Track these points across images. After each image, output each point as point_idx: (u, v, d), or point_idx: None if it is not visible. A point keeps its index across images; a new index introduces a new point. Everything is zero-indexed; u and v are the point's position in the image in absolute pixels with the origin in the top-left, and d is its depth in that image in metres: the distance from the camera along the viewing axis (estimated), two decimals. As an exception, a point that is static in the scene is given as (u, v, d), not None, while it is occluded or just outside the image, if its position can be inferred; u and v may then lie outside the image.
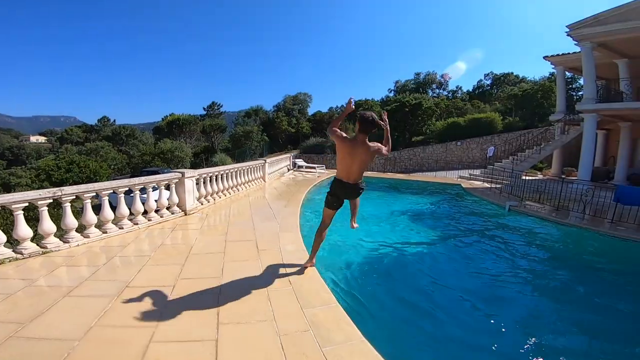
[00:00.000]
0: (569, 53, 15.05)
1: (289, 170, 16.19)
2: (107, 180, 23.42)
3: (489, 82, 45.81)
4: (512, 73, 43.28)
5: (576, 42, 12.43)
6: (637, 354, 3.55)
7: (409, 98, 27.93)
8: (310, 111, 41.51)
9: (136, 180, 5.75)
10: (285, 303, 3.14)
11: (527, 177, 13.85)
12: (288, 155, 17.46)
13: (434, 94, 43.28)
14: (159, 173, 19.20)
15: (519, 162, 15.31)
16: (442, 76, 46.41)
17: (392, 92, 44.94)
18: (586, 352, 3.62)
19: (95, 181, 23.28)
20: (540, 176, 16.25)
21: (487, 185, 14.04)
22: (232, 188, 8.99)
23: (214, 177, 8.03)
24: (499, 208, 9.83)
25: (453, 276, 5.39)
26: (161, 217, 6.14)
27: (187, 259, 4.23)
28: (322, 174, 15.22)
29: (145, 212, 5.91)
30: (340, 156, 3.72)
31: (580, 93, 30.72)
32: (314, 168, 16.65)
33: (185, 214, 6.61)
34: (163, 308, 3.00)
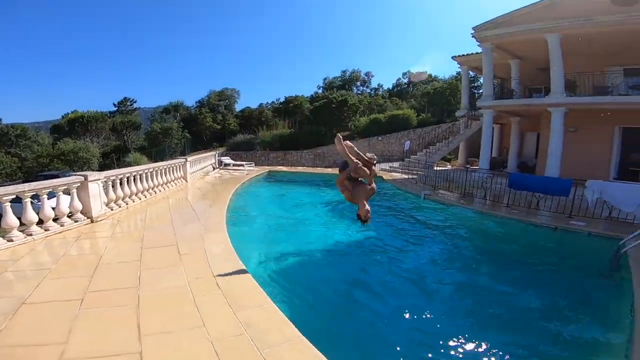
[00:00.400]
0: (472, 53, 16.99)
1: (214, 168, 15.46)
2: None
3: (405, 80, 49.72)
4: (425, 72, 47.48)
5: (479, 43, 14.03)
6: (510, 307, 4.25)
7: (335, 95, 28.87)
8: (239, 107, 40.17)
9: (25, 186, 4.89)
10: (215, 308, 3.00)
11: (439, 168, 15.45)
12: (213, 153, 16.66)
13: (359, 92, 45.35)
14: (59, 177, 16.73)
15: (431, 154, 16.96)
16: (366, 74, 48.84)
17: (321, 88, 45.78)
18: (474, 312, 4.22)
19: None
20: (449, 167, 18.22)
21: (405, 176, 15.28)
22: (148, 190, 8.25)
23: (126, 179, 7.27)
24: (415, 197, 10.77)
25: (378, 261, 5.77)
26: (61, 226, 5.36)
27: (96, 269, 3.77)
28: (251, 172, 14.87)
29: (41, 222, 5.09)
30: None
31: (481, 91, 35.32)
32: (242, 165, 16.13)
33: (92, 221, 5.87)
34: (72, 323, 2.63)
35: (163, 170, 9.29)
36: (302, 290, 4.50)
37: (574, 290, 5.04)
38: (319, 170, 17.05)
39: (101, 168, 26.39)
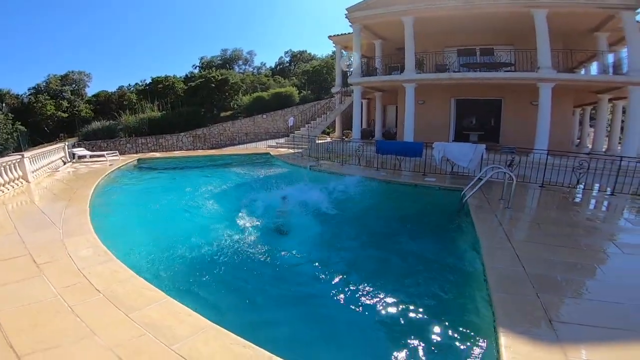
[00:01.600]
0: (345, 34, 18.11)
1: (65, 163, 12.74)
2: None
3: (288, 59, 49.91)
4: (306, 51, 48.45)
5: (350, 24, 15.01)
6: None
7: (215, 74, 26.99)
8: (91, 91, 33.80)
9: None
10: (102, 314, 2.54)
11: (320, 141, 16.41)
12: (62, 145, 13.61)
13: (240, 70, 43.52)
14: None
15: (312, 129, 17.74)
16: (248, 53, 47.01)
17: (197, 67, 42.13)
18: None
19: None
20: (329, 139, 19.46)
21: (291, 151, 15.64)
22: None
23: None
24: (302, 168, 11.16)
25: (265, 232, 5.80)
26: None
27: None
28: (115, 162, 12.78)
29: None
30: None
31: (352, 69, 38.40)
32: (102, 156, 13.66)
33: None
34: None
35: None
36: (198, 280, 4.20)
37: (434, 232, 6.11)
38: (200, 152, 15.91)
39: None
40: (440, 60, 14.94)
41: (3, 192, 7.50)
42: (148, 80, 30.47)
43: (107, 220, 5.97)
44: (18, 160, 8.75)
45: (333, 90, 20.21)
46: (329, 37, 19.53)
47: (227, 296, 3.96)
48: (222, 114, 26.25)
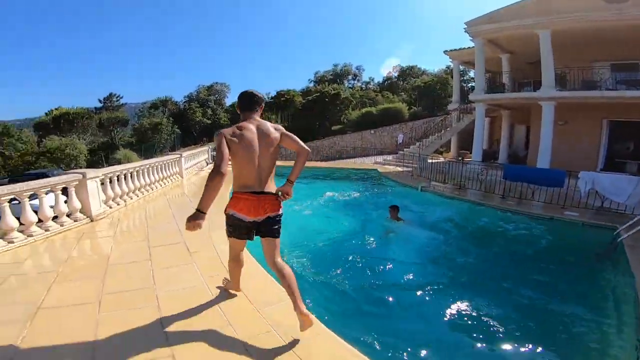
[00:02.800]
0: (463, 48, 17.23)
1: (207, 164, 15.28)
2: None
3: (396, 74, 49.86)
4: (416, 66, 47.63)
5: (471, 38, 14.22)
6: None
7: (328, 88, 28.75)
8: (228, 102, 39.68)
9: (22, 185, 4.75)
10: (237, 306, 2.96)
11: (432, 160, 15.67)
12: (206, 148, 16.42)
13: (350, 85, 45.32)
14: (47, 175, 16.24)
15: (424, 147, 17.11)
16: (357, 68, 48.73)
17: (312, 82, 45.60)
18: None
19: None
20: (442, 159, 18.45)
21: (399, 169, 15.41)
22: (145, 187, 8.12)
23: (123, 176, 7.13)
24: (411, 189, 10.88)
25: (383, 257, 5.83)
26: (61, 225, 5.23)
27: (107, 270, 3.70)
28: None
29: (40, 222, 4.97)
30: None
31: (470, 84, 35.78)
32: (235, 161, 16.03)
33: (92, 220, 5.75)
34: (95, 328, 2.57)
35: (159, 167, 9.15)
36: (318, 284, 4.54)
37: (574, 275, 5.21)
38: (313, 164, 17.05)
39: (88, 165, 25.83)
40: (589, 76, 12.74)
41: (165, 183, 9.42)
42: (273, 93, 34.35)
43: None
44: (177, 159, 10.88)
45: (449, 107, 19.23)
46: (445, 52, 18.69)
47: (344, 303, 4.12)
48: (333, 128, 27.66)
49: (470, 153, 20.90)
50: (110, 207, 6.47)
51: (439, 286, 4.64)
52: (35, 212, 4.89)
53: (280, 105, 30.84)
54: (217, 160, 2.33)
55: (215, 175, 2.28)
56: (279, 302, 3.02)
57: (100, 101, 42.09)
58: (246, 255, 4.16)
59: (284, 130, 2.72)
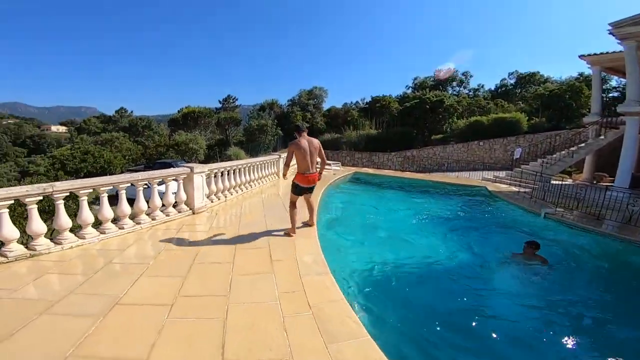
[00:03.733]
0: (606, 52, 14.08)
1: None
2: (121, 170, 23.41)
3: (512, 81, 44.09)
4: (538, 72, 41.35)
5: (619, 41, 11.56)
6: None
7: (430, 95, 26.87)
8: (325, 106, 40.82)
9: (139, 175, 5.25)
10: (304, 335, 2.56)
11: (556, 182, 12.96)
12: (303, 151, 16.93)
13: (454, 92, 41.86)
14: (172, 165, 18.86)
15: (549, 165, 14.29)
16: (463, 74, 44.83)
17: (410, 88, 43.71)
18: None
19: (109, 171, 23.29)
20: (569, 181, 15.21)
21: (514, 188, 13.14)
22: (244, 184, 8.48)
23: (226, 173, 7.51)
24: (532, 215, 9.00)
25: (492, 293, 4.72)
26: (167, 215, 5.66)
27: (191, 268, 3.70)
28: (337, 172, 14.57)
29: (150, 210, 5.44)
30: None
31: (611, 95, 29.23)
32: (329, 165, 16.02)
33: (193, 213, 6.11)
34: (157, 335, 2.47)
35: (259, 166, 9.52)
36: (399, 319, 3.83)
37: None
38: (408, 175, 15.85)
39: (205, 159, 29.46)
40: None
41: (263, 182, 9.74)
42: (368, 99, 33.76)
43: (327, 229, 6.48)
44: (276, 159, 11.22)
45: (586, 119, 15.75)
46: (581, 56, 15.34)
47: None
48: (433, 137, 25.68)
49: (610, 176, 16.80)
50: (212, 201, 6.84)
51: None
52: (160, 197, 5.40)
53: (375, 111, 30.11)
54: (287, 159, 5.15)
55: (285, 165, 5.32)
56: (349, 339, 2.54)
57: (219, 102, 48.01)
58: (327, 274, 3.74)
59: (320, 145, 5.22)
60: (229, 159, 24.24)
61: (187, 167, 5.99)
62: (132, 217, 5.15)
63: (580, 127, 19.27)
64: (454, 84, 44.77)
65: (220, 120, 38.03)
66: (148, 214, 5.38)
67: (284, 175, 5.57)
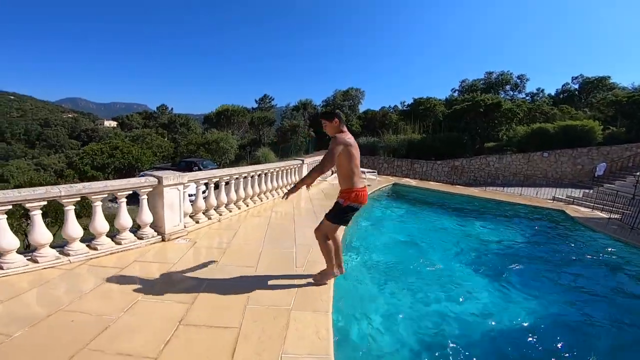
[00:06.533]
0: None
1: (332, 173, 13.58)
2: (149, 167, 22.85)
3: (577, 86, 39.04)
4: (608, 77, 36.12)
5: None
6: None
7: (484, 97, 23.71)
8: (362, 108, 38.58)
9: (62, 190, 3.49)
10: None
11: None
12: (334, 155, 14.86)
13: (507, 97, 37.75)
14: (196, 165, 17.58)
15: (646, 186, 11.08)
16: (518, 77, 40.47)
17: (457, 92, 40.28)
18: None
19: (137, 167, 22.82)
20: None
21: (600, 214, 10.16)
22: (252, 197, 6.63)
23: (222, 184, 5.68)
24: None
25: None
26: (117, 244, 3.89)
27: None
28: (373, 182, 12.36)
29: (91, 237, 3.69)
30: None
31: None
32: (363, 173, 13.84)
33: (164, 239, 4.32)
34: None
35: (274, 174, 7.66)
36: None
37: None
38: (459, 189, 13.21)
39: (236, 159, 28.50)
40: None
41: (279, 194, 7.82)
42: (409, 101, 30.99)
43: (353, 284, 4.13)
44: (298, 165, 9.30)
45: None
46: None
47: None
48: (486, 145, 22.51)
49: None
50: (197, 222, 5.03)
51: None
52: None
53: (417, 115, 27.33)
54: (327, 163, 3.12)
55: (319, 173, 3.18)
56: None
57: (256, 101, 47.48)
58: None
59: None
60: (258, 160, 22.81)
61: (155, 177, 4.18)
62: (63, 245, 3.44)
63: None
64: (507, 87, 40.55)
65: (253, 120, 37.15)
66: (90, 242, 3.65)
67: (308, 185, 3.36)
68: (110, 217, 4.00)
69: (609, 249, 6.89)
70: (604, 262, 6.28)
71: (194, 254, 4.10)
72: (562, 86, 40.46)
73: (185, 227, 4.62)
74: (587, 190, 13.22)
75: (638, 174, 12.61)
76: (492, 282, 4.78)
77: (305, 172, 9.51)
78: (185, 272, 3.57)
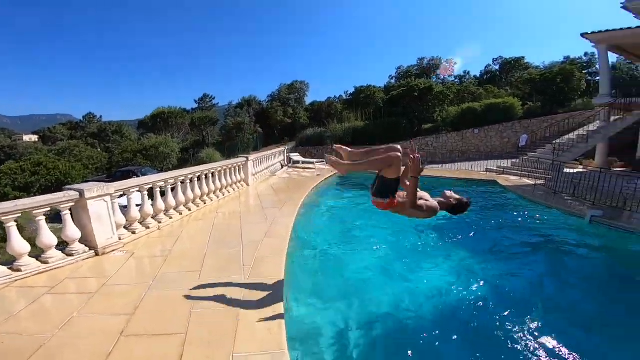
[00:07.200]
0: (615, 29, 12.64)
1: (282, 167, 13.52)
2: (82, 181, 20.75)
3: (497, 67, 42.81)
4: (523, 58, 40.08)
5: (635, 15, 10.10)
6: None
7: (418, 82, 25.05)
8: (308, 100, 38.68)
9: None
10: None
11: (569, 170, 11.35)
12: (282, 149, 14.77)
13: (439, 80, 40.31)
14: (135, 174, 16.32)
15: (561, 152, 12.62)
16: (446, 61, 43.30)
17: (394, 78, 42.01)
18: None
19: (67, 183, 20.60)
20: (580, 168, 13.60)
21: (527, 180, 11.39)
22: (193, 201, 6.34)
23: (157, 190, 5.35)
24: (564, 215, 7.16)
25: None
26: (44, 263, 3.51)
27: None
28: (322, 171, 12.53)
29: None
30: None
31: (598, 77, 28.39)
32: (312, 163, 13.99)
33: (97, 254, 3.97)
34: None
35: (216, 174, 7.38)
36: None
37: None
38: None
39: (180, 163, 26.98)
40: None
41: (224, 194, 7.58)
42: (351, 90, 31.73)
43: (303, 288, 3.93)
44: (243, 163, 9.07)
45: (596, 101, 14.23)
46: (584, 35, 13.91)
47: None
48: (423, 127, 23.89)
49: (620, 161, 15.42)
50: (134, 233, 4.70)
51: None
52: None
53: (359, 103, 28.13)
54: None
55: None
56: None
57: (195, 102, 45.26)
58: None
59: None
60: (202, 162, 21.86)
61: (75, 190, 3.80)
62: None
63: (575, 110, 17.98)
64: (438, 71, 43.26)
65: (194, 121, 35.47)
66: (12, 265, 3.23)
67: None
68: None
69: (532, 211, 7.75)
70: (531, 222, 7.04)
71: (133, 265, 3.84)
72: (485, 67, 43.95)
73: (120, 239, 4.29)
74: (514, 160, 14.69)
75: (555, 142, 14.29)
76: (433, 251, 5.15)
77: (250, 169, 9.31)
78: (123, 284, 3.34)
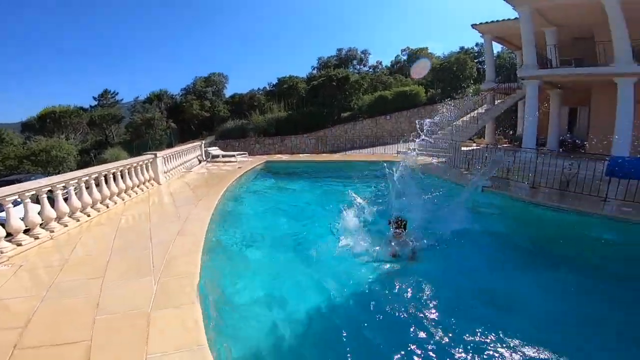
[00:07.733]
0: (496, 21, 14.70)
1: (200, 162, 12.80)
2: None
3: (405, 57, 46.49)
4: (426, 48, 44.17)
5: (513, 7, 11.66)
6: None
7: (336, 72, 25.96)
8: (228, 93, 37.07)
9: None
10: None
11: (465, 149, 13.08)
12: (199, 143, 13.94)
13: (355, 70, 42.28)
14: (20, 182, 13.93)
15: (455, 133, 14.39)
16: (362, 52, 45.55)
17: (316, 69, 42.69)
18: None
19: None
20: (474, 146, 15.75)
21: (431, 159, 12.77)
22: (93, 205, 5.66)
23: (43, 195, 4.64)
24: (460, 187, 8.23)
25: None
26: None
27: None
28: (244, 163, 12.22)
29: None
30: None
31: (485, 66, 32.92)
32: (233, 156, 13.50)
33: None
34: None
35: (117, 174, 6.64)
36: None
37: None
38: (325, 157, 14.36)
39: (79, 166, 23.63)
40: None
41: (130, 195, 6.92)
42: (274, 82, 31.47)
43: (218, 279, 3.84)
44: (150, 160, 8.36)
45: (483, 86, 16.52)
46: (474, 25, 15.97)
47: None
48: (343, 115, 24.92)
49: (505, 139, 18.29)
50: (20, 245, 4.03)
51: None
52: None
53: (283, 93, 28.09)
54: None
55: None
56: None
57: (94, 99, 39.92)
58: None
59: None
60: (106, 162, 19.53)
61: None
62: None
63: (465, 95, 20.61)
64: (354, 62, 45.31)
65: (94, 119, 31.42)
66: None
67: None
68: None
69: (437, 185, 8.70)
70: (437, 194, 7.91)
71: (20, 278, 3.33)
72: (395, 57, 47.33)
73: (2, 252, 3.65)
74: (420, 143, 16.27)
75: (454, 123, 16.20)
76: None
77: (160, 166, 8.62)
78: (10, 298, 2.89)
